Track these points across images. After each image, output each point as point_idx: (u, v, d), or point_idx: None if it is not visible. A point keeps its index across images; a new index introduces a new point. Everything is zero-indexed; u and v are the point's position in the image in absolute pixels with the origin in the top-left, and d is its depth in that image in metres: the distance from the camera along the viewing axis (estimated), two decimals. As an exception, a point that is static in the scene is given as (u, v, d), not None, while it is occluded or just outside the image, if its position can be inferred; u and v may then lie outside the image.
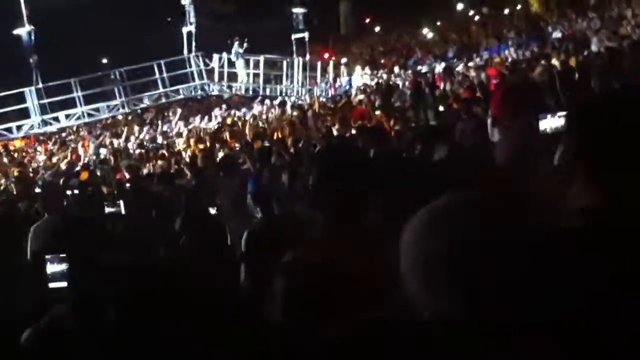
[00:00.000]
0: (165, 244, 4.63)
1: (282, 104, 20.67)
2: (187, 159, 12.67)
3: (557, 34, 21.69)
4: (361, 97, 18.25)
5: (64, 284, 2.53)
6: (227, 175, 7.63)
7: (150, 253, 4.40)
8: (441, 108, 12.42)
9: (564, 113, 3.12)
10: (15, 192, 11.54)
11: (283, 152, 8.62)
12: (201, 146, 14.05)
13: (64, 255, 2.53)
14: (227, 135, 14.86)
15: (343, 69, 25.49)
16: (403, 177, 2.69)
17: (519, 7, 28.81)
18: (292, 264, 2.15)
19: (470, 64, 20.38)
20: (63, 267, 2.47)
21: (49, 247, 2.73)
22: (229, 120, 19.56)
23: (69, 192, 10.04)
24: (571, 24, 22.64)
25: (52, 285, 2.51)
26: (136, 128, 21.43)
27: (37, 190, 10.54)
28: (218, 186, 7.61)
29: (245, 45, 22.90)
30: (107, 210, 5.62)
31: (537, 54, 18.79)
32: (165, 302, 2.13)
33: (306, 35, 23.43)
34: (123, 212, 5.43)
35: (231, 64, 22.33)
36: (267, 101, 21.65)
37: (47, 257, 2.54)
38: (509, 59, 19.68)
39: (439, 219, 1.24)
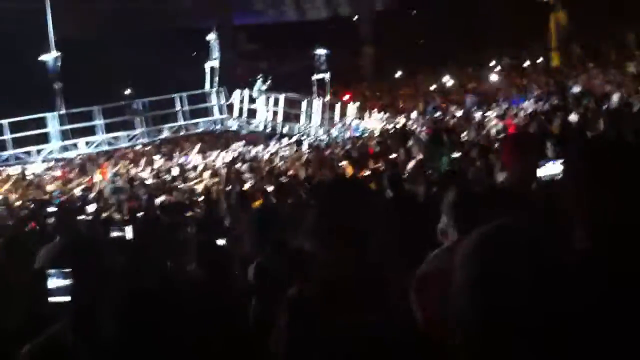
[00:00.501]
0: (171, 270, 4.64)
1: (299, 143, 20.80)
2: (201, 191, 12.76)
3: (577, 88, 21.74)
4: (378, 139, 18.34)
5: (65, 298, 2.53)
6: (240, 208, 7.66)
7: (153, 278, 4.41)
8: (456, 155, 12.42)
9: (561, 160, 3.23)
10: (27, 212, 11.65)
11: (297, 189, 8.65)
12: (216, 179, 14.15)
13: (68, 270, 2.53)
14: (242, 169, 14.95)
15: (360, 111, 25.67)
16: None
17: (540, 59, 28.99)
18: (295, 299, 2.17)
19: (489, 113, 20.45)
20: (66, 282, 2.47)
21: (54, 263, 2.73)
22: (246, 156, 19.72)
23: (81, 217, 10.14)
24: (591, 78, 22.70)
25: (52, 299, 2.51)
26: (154, 158, 21.61)
27: (51, 209, 10.62)
28: (230, 218, 7.64)
29: (268, 82, 23.21)
30: (113, 234, 5.64)
31: (557, 106, 18.82)
32: (166, 323, 2.13)
33: (327, 76, 23.68)
34: (129, 237, 5.45)
35: (251, 100, 22.58)
36: (285, 139, 21.79)
37: (50, 271, 2.55)
38: (529, 111, 19.72)
39: (475, 248, 1.28)
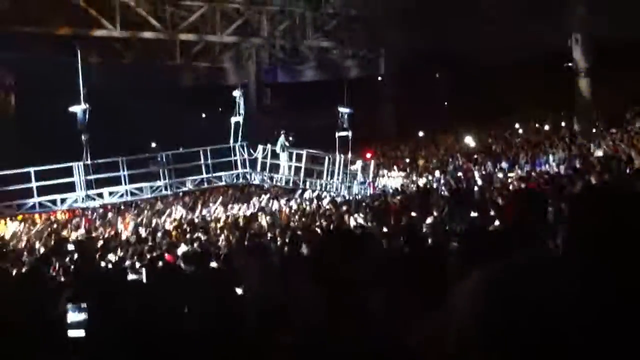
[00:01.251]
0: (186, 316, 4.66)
1: (319, 198, 20.88)
2: (222, 242, 12.82)
3: (599, 153, 21.70)
4: (399, 197, 18.39)
5: (82, 332, 2.58)
6: (255, 257, 7.67)
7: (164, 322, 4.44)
8: (475, 214, 12.43)
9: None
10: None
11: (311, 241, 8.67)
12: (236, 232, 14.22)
13: (84, 305, 2.58)
14: (263, 222, 15.02)
15: (382, 169, 25.81)
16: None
17: (563, 123, 29.07)
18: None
19: (511, 174, 20.45)
20: (83, 316, 2.52)
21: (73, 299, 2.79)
22: (266, 209, 19.86)
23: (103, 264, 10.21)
24: (615, 142, 22.66)
25: (71, 333, 2.55)
26: (176, 210, 21.81)
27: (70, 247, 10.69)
28: (246, 268, 7.64)
29: (291, 138, 23.49)
30: (130, 277, 5.70)
31: (579, 169, 18.76)
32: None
33: (349, 133, 23.92)
34: (144, 280, 5.49)
35: (274, 155, 22.83)
36: (306, 194, 21.92)
37: (69, 306, 2.60)
38: (551, 173, 19.69)
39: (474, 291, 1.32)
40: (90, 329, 2.55)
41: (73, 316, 2.59)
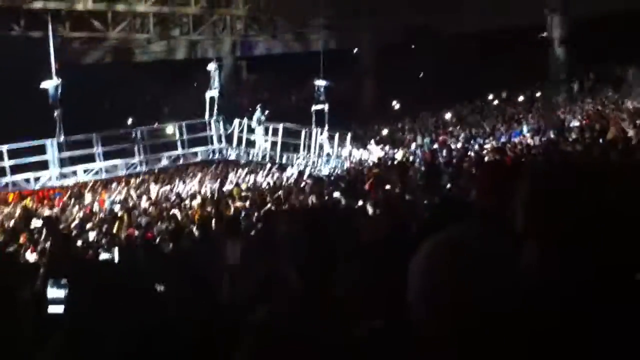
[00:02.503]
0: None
1: (301, 173, 20.90)
2: (197, 221, 12.77)
3: (575, 123, 21.89)
4: (376, 170, 18.42)
5: (61, 308, 2.57)
6: (231, 235, 7.66)
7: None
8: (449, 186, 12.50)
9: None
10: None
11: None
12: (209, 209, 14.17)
13: (65, 280, 2.57)
14: (237, 198, 14.98)
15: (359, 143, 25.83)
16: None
17: (538, 94, 29.24)
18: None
19: (487, 146, 20.56)
20: (62, 292, 2.51)
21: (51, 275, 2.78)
22: (243, 186, 19.76)
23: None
24: (589, 112, 22.87)
25: (51, 309, 2.55)
26: (152, 187, 21.63)
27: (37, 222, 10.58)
28: (223, 246, 7.63)
29: (266, 112, 23.36)
30: (102, 256, 5.67)
31: (554, 140, 18.93)
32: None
33: (326, 107, 23.83)
34: (117, 260, 5.46)
35: (250, 130, 22.71)
36: (288, 169, 21.94)
37: (49, 280, 2.60)
38: (525, 144, 19.83)
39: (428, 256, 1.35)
40: (69, 305, 2.54)
41: (52, 292, 2.58)
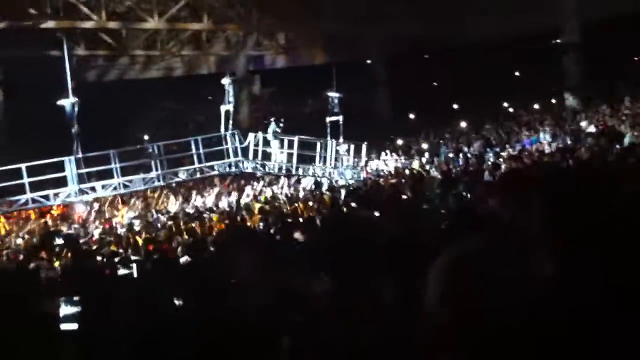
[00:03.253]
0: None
1: (318, 184, 20.96)
2: (214, 233, 12.84)
3: (591, 129, 21.72)
4: (393, 180, 18.43)
5: (75, 325, 2.61)
6: (245, 246, 7.69)
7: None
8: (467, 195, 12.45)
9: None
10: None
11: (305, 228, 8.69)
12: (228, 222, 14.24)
13: (77, 298, 2.61)
14: (255, 211, 15.04)
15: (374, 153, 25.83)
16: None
17: (553, 100, 29.09)
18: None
19: (503, 153, 20.47)
20: (75, 309, 2.54)
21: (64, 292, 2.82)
22: (262, 198, 19.88)
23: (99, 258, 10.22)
24: (605, 119, 22.69)
25: (63, 326, 2.57)
26: (171, 200, 21.81)
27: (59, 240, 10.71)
28: (237, 257, 7.67)
29: (281, 125, 23.45)
30: (121, 272, 5.72)
31: (570, 147, 18.80)
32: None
33: (340, 118, 23.90)
34: (135, 275, 5.52)
35: (265, 142, 22.80)
36: (304, 180, 22.01)
37: (61, 299, 2.62)
38: (543, 151, 19.71)
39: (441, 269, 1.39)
40: (83, 322, 2.58)
41: (65, 309, 2.62)
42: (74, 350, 2.56)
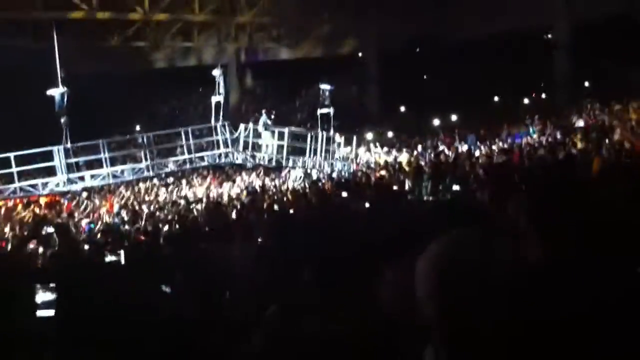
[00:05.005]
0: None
1: (307, 175, 20.92)
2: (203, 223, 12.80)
3: (580, 123, 21.81)
4: (383, 172, 18.46)
5: (51, 312, 2.58)
6: (240, 238, 7.68)
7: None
8: (457, 187, 12.50)
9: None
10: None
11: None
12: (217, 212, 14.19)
13: (53, 285, 2.58)
14: (245, 202, 15.01)
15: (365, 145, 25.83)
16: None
17: (543, 95, 29.20)
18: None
19: (494, 147, 20.55)
20: (51, 295, 2.52)
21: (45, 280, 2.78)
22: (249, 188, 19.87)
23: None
24: (595, 114, 22.79)
25: (40, 313, 2.55)
26: (159, 191, 21.75)
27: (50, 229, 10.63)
28: (230, 249, 7.64)
29: (272, 116, 23.38)
30: (108, 258, 5.69)
31: (560, 140, 18.87)
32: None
33: (331, 110, 23.87)
34: (123, 262, 5.49)
35: (256, 134, 22.74)
36: (294, 171, 21.97)
37: (38, 285, 2.59)
38: (531, 145, 19.78)
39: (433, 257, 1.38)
40: (59, 309, 2.55)
41: (42, 296, 2.59)
42: (51, 337, 2.53)
